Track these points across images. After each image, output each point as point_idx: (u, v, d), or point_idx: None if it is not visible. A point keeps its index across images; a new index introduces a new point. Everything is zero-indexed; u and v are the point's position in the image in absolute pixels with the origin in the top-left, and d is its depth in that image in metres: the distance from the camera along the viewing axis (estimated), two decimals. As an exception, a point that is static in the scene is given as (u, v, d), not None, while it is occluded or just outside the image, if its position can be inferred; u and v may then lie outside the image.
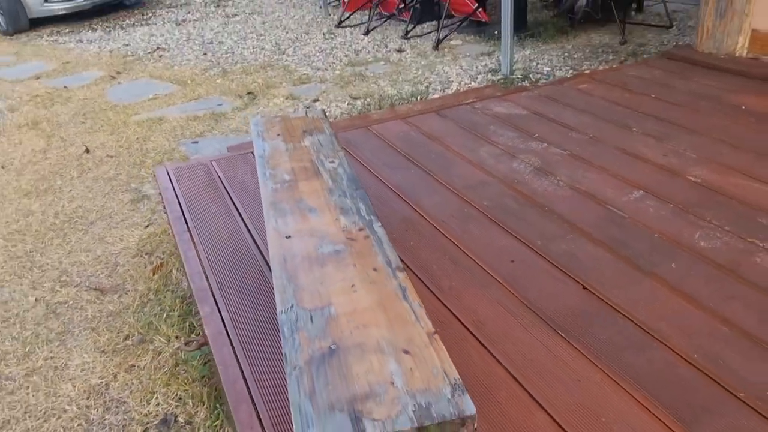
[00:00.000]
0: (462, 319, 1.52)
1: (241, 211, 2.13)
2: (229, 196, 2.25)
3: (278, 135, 1.91)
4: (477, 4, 5.35)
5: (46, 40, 7.15)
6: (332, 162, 1.71)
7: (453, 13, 5.57)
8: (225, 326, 1.55)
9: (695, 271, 1.62)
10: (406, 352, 1.01)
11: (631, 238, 1.78)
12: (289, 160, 1.74)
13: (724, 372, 1.31)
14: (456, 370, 0.96)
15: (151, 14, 8.03)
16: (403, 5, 5.97)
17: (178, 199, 2.23)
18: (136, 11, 8.25)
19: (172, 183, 2.36)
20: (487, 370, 1.34)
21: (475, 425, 0.90)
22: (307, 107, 4.26)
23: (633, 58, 4.37)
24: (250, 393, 1.33)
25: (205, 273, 1.79)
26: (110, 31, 7.32)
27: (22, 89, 5.40)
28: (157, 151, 3.84)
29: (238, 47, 6.08)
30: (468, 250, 1.79)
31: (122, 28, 7.43)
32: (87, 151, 3.96)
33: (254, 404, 1.30)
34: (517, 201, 2.03)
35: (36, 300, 2.53)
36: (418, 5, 5.73)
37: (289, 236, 1.37)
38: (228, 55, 5.87)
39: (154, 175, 3.38)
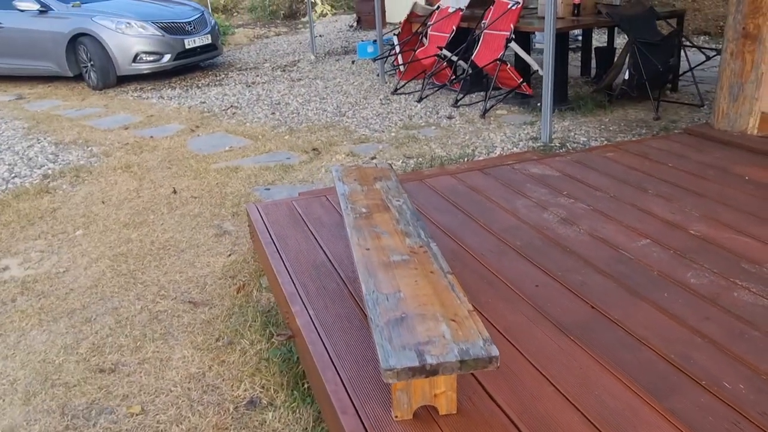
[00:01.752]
0: (494, 324, 1.99)
1: (317, 238, 2.67)
2: (307, 226, 2.80)
3: (355, 180, 2.47)
4: (522, 79, 5.96)
5: (132, 96, 8.08)
6: (398, 201, 2.25)
7: (499, 85, 6.18)
8: (311, 318, 2.06)
9: (682, 299, 2.07)
10: (452, 320, 1.51)
11: (634, 273, 2.24)
12: (364, 198, 2.29)
13: (692, 368, 1.74)
14: (486, 331, 1.45)
15: (223, 76, 8.95)
16: (454, 77, 6.63)
17: (267, 228, 2.79)
18: (210, 72, 9.19)
19: (261, 216, 2.93)
20: (511, 358, 1.81)
21: (498, 364, 1.38)
22: (366, 163, 4.87)
23: (664, 133, 4.85)
24: (333, 362, 1.83)
25: (293, 282, 2.32)
26: (188, 89, 8.22)
27: (113, 137, 6.20)
28: (234, 195, 4.47)
29: (303, 108, 6.81)
30: (501, 276, 2.28)
31: (198, 87, 8.33)
32: (174, 192, 4.62)
33: (336, 370, 1.80)
34: (543, 242, 2.51)
35: (141, 308, 3.10)
36: (468, 77, 6.37)
37: (368, 249, 1.89)
38: (294, 115, 6.59)
39: (236, 214, 4.00)
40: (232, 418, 2.31)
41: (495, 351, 1.39)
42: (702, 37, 8.47)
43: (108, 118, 6.97)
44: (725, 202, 2.77)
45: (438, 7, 7.04)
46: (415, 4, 7.49)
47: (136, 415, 2.37)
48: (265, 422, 2.27)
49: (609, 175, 3.19)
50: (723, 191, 2.89)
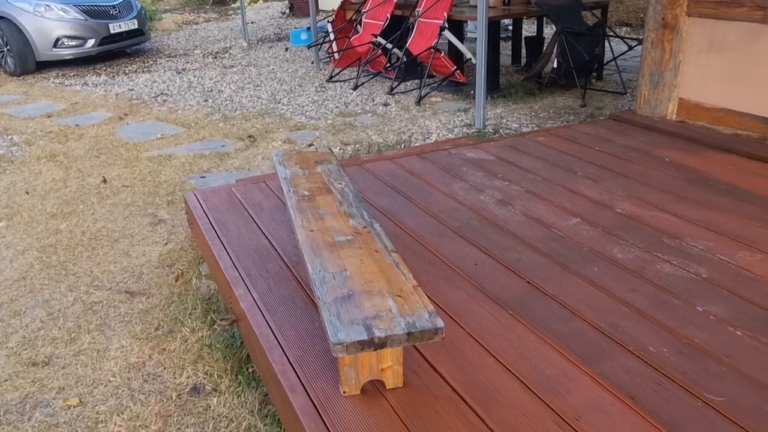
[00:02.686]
0: (436, 301, 2.06)
1: (258, 223, 2.67)
2: (248, 212, 2.78)
3: (296, 164, 2.48)
4: (455, 66, 6.07)
5: (53, 83, 7.72)
6: (340, 183, 2.27)
7: (434, 73, 6.28)
8: (255, 301, 2.06)
9: (610, 273, 2.19)
10: (398, 295, 1.56)
11: (567, 250, 2.35)
12: (306, 181, 2.30)
13: (620, 335, 1.86)
14: (431, 305, 1.51)
15: (152, 62, 8.67)
16: (389, 65, 6.68)
17: (206, 214, 2.76)
18: (137, 59, 8.88)
19: (200, 203, 2.89)
20: (453, 332, 1.87)
21: (443, 335, 1.44)
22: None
23: (591, 119, 5.07)
24: (279, 343, 1.84)
25: (235, 266, 2.31)
26: (114, 76, 7.93)
27: (36, 126, 5.92)
28: (168, 183, 4.37)
29: (237, 96, 6.71)
30: (441, 255, 2.35)
31: (126, 74, 8.04)
32: (104, 181, 4.47)
33: (283, 350, 1.82)
34: (481, 223, 2.60)
35: (74, 300, 3.00)
36: (402, 65, 6.44)
37: (312, 230, 1.91)
38: (227, 102, 6.48)
39: (171, 202, 3.91)
40: (176, 405, 2.29)
41: (440, 323, 1.45)
42: (624, 29, 8.85)
43: (28, 106, 6.65)
44: (647, 182, 2.94)
45: (372, -6, 7.06)
46: (349, -10, 7.48)
47: (74, 407, 2.31)
48: (210, 407, 2.26)
49: (541, 158, 3.31)
50: (645, 172, 3.06)
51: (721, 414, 1.55)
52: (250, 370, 2.37)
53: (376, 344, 1.41)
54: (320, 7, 12.02)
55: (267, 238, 2.53)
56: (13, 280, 3.21)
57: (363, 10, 7.04)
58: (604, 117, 5.00)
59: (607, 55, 6.34)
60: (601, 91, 6.06)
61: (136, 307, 2.92)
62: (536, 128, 4.95)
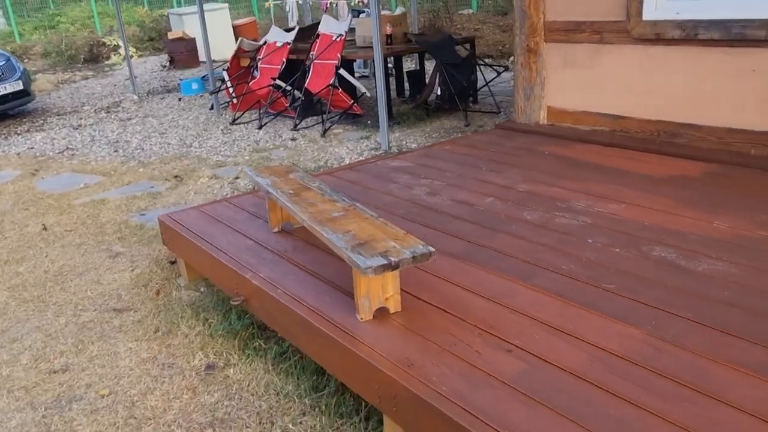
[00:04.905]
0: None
1: (238, 230, 3.22)
2: (223, 223, 3.33)
3: (270, 174, 3.09)
4: (352, 101, 6.88)
5: (-60, 148, 7.60)
6: (314, 183, 2.92)
7: (333, 108, 7.03)
8: (264, 278, 2.64)
9: (525, 228, 3.00)
10: (396, 239, 2.23)
11: (489, 219, 3.14)
12: (285, 185, 2.92)
13: (541, 263, 2.64)
14: (421, 241, 2.20)
15: (42, 121, 8.74)
16: (290, 104, 7.36)
17: (189, 229, 3.27)
18: (24, 119, 8.90)
19: (177, 221, 3.39)
20: (424, 276, 2.55)
21: (435, 257, 2.13)
22: (231, 183, 5.39)
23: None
24: (295, 299, 2.44)
25: (235, 259, 2.86)
26: (6, 137, 7.95)
27: (-58, 189, 5.94)
28: (111, 223, 4.72)
29: (146, 144, 7.06)
30: (397, 233, 3.04)
31: (18, 134, 8.08)
32: (45, 228, 4.74)
33: (300, 302, 2.41)
34: (419, 209, 3.33)
35: (65, 322, 3.35)
36: (302, 104, 7.14)
37: (311, 212, 2.54)
38: (138, 150, 6.83)
39: (122, 238, 4.30)
40: (198, 379, 2.77)
41: (432, 249, 2.14)
42: (487, 59, 10.16)
43: (-76, 172, 6.58)
44: (535, 169, 3.84)
45: (265, 42, 7.75)
46: (242, 40, 8.12)
47: (107, 395, 2.72)
48: (228, 377, 2.76)
49: (451, 161, 4.13)
50: (532, 162, 3.96)
51: (614, 293, 2.36)
52: (255, 345, 2.90)
53: (393, 266, 2.07)
54: (200, 59, 12.50)
55: (250, 239, 3.10)
56: (-7, 317, 3.48)
57: (258, 57, 7.70)
58: (491, 128, 5.99)
59: (480, 82, 7.44)
60: (479, 112, 7.12)
61: (127, 320, 3.33)
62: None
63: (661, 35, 3.86)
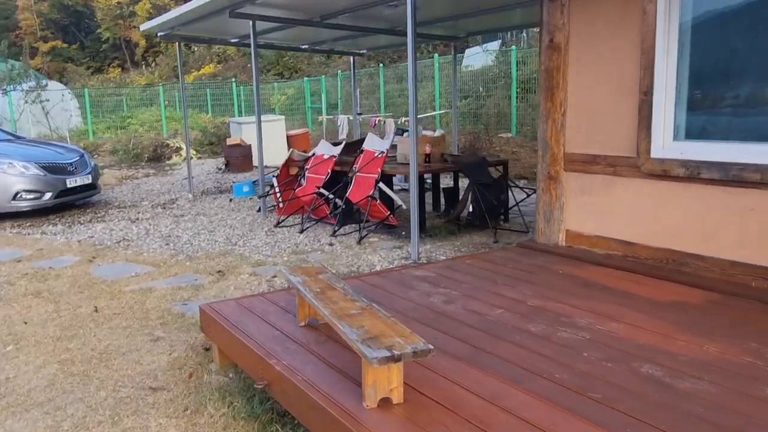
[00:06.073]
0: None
1: (268, 322, 3.60)
2: (257, 315, 3.71)
3: (302, 274, 3.50)
4: (389, 212, 7.38)
5: (10, 232, 8.37)
6: (340, 284, 3.31)
7: (370, 218, 7.54)
8: (287, 366, 2.97)
9: (527, 339, 3.28)
10: (402, 336, 2.57)
11: (496, 328, 3.43)
12: (314, 284, 3.32)
13: (536, 369, 2.90)
14: (423, 339, 2.53)
15: (104, 213, 9.52)
16: (331, 212, 7.92)
17: (225, 317, 3.67)
18: (88, 210, 9.71)
19: (216, 311, 3.79)
20: (427, 373, 2.84)
21: (434, 353, 2.45)
22: (269, 281, 5.82)
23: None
24: (311, 385, 2.76)
25: (263, 347, 3.22)
26: (71, 225, 8.69)
27: (9, 269, 6.56)
28: (156, 310, 5.16)
29: (195, 240, 7.65)
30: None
31: (81, 223, 8.83)
32: (96, 310, 5.20)
33: (316, 388, 2.73)
34: (434, 314, 3.66)
35: (105, 396, 3.71)
36: (342, 212, 7.69)
37: (333, 309, 2.91)
38: (187, 245, 7.40)
39: (164, 324, 4.70)
40: (218, 455, 3.05)
41: (431, 346, 2.46)
42: (522, 181, 10.68)
43: (-6, 252, 7.26)
44: (548, 286, 4.14)
45: (314, 153, 8.47)
46: (293, 151, 8.88)
47: (136, 464, 3.01)
48: (246, 455, 3.04)
49: (470, 274, 4.48)
50: (546, 280, 4.28)
51: (598, 402, 2.59)
52: (273, 428, 3.18)
53: (395, 358, 2.39)
54: (254, 164, 13.43)
55: (279, 330, 3.47)
56: (43, 386, 3.87)
57: (306, 167, 8.38)
58: (513, 246, 6.34)
59: (511, 201, 7.89)
60: (508, 230, 7.51)
61: (161, 398, 3.66)
62: (460, 258, 6.19)
63: (667, 172, 4.25)
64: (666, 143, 4.32)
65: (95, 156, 15.85)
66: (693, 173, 4.12)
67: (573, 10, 4.78)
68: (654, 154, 4.34)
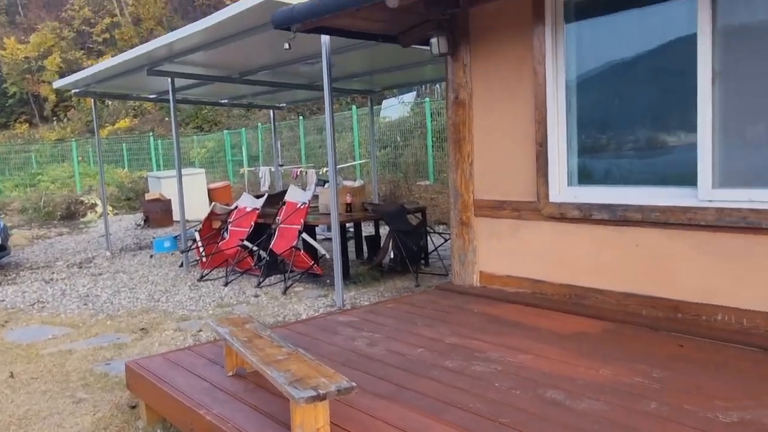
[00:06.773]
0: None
1: (197, 374, 3.70)
2: (185, 368, 3.80)
3: (229, 324, 3.64)
4: (313, 261, 7.57)
5: None
6: (266, 332, 3.48)
7: (294, 268, 7.70)
8: (217, 414, 3.10)
9: (444, 375, 3.53)
10: (326, 376, 2.77)
11: (416, 366, 3.68)
12: (241, 333, 3.47)
13: (452, 400, 3.15)
14: (346, 378, 2.74)
15: (14, 275, 9.20)
16: (255, 264, 8.02)
17: (152, 372, 3.74)
18: (-2, 273, 9.35)
19: (142, 367, 3.85)
20: (349, 411, 3.04)
21: (357, 390, 2.66)
22: (195, 335, 5.84)
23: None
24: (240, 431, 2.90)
25: (192, 398, 3.32)
26: (-21, 289, 8.35)
27: None
28: (77, 371, 5.09)
29: (115, 298, 7.54)
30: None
31: (-10, 287, 8.50)
32: (12, 375, 5.07)
33: (247, 435, 2.87)
34: (357, 357, 3.87)
35: (28, 461, 3.65)
36: (266, 263, 7.81)
37: (260, 356, 3.08)
38: (107, 304, 7.29)
39: (86, 385, 4.67)
40: None
41: (354, 384, 2.67)
42: (441, 226, 11.13)
43: None
44: (463, 324, 4.45)
45: (236, 206, 8.58)
46: (215, 205, 8.96)
47: None
48: (177, 508, 3.10)
49: (392, 317, 4.73)
50: (461, 319, 4.58)
51: (508, 426, 2.86)
52: (203, 478, 3.26)
53: (320, 397, 2.59)
54: (174, 218, 13.31)
55: (207, 381, 3.58)
56: (-41, 456, 3.76)
57: (229, 220, 8.48)
58: (431, 288, 6.66)
59: (431, 246, 8.26)
60: (429, 274, 7.85)
61: (87, 458, 3.66)
62: (383, 303, 6.43)
63: (564, 215, 4.71)
64: (561, 188, 4.78)
65: (2, 215, 15.22)
66: (586, 215, 4.58)
67: (474, 70, 5.26)
68: (552, 198, 4.79)
